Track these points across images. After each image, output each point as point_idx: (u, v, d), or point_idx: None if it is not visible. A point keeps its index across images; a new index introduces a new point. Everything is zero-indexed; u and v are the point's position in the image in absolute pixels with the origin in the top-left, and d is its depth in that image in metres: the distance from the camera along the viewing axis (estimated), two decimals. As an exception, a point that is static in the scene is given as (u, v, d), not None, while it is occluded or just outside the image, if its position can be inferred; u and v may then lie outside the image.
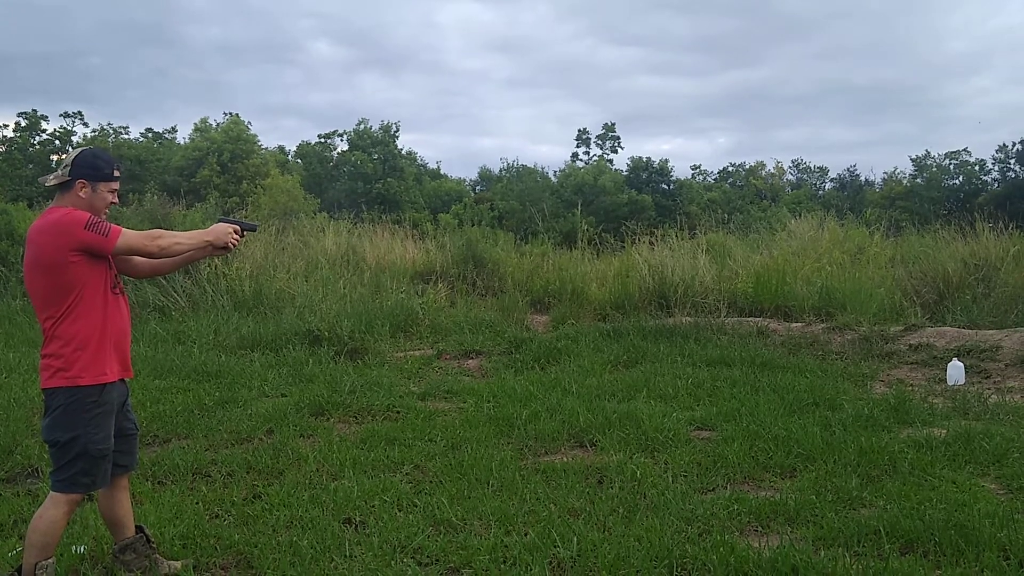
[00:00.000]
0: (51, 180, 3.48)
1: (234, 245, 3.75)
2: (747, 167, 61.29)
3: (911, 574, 3.58)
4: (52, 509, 3.43)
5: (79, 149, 3.57)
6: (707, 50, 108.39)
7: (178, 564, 3.82)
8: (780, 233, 15.91)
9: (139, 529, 3.81)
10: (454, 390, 7.64)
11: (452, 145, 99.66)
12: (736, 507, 4.49)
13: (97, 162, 3.49)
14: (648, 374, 7.99)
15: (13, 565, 3.58)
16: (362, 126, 45.01)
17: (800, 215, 17.88)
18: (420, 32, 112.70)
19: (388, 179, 42.61)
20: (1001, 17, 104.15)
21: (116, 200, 3.57)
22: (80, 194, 3.45)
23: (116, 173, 3.53)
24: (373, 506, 4.59)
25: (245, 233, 3.85)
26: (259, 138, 39.04)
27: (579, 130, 56.72)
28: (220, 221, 3.77)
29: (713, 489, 4.94)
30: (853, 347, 9.26)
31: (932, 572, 3.69)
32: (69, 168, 3.46)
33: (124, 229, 3.43)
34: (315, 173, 42.68)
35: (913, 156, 50.79)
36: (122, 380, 3.62)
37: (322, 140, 47.04)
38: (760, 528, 4.31)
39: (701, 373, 7.99)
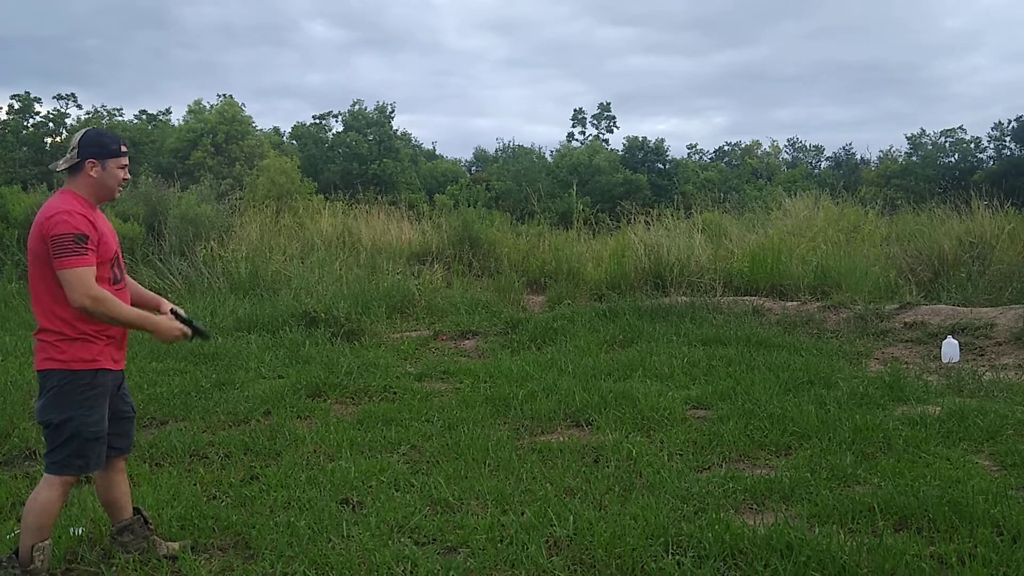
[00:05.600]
0: (61, 165, 3.48)
1: (175, 341, 3.60)
2: (743, 146, 61.14)
3: (905, 551, 3.60)
4: (46, 491, 3.43)
5: (83, 130, 3.54)
6: (703, 29, 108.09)
7: (176, 545, 3.83)
8: (775, 212, 15.90)
9: (136, 511, 3.82)
10: (450, 371, 7.65)
11: (448, 125, 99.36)
12: (731, 485, 4.51)
13: (103, 139, 3.48)
14: (644, 353, 8.00)
15: (12, 547, 3.59)
16: (357, 107, 44.76)
17: (795, 194, 17.84)
18: (417, 12, 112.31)
19: (384, 160, 42.40)
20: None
21: (127, 176, 3.56)
22: (91, 174, 3.45)
23: (123, 149, 3.53)
24: (370, 486, 4.61)
25: (195, 337, 3.72)
26: (253, 119, 38.85)
27: (575, 110, 56.53)
28: (176, 316, 3.66)
29: (708, 467, 4.96)
30: (848, 325, 9.28)
31: (926, 548, 3.71)
32: (76, 150, 3.44)
33: (83, 269, 3.29)
34: (310, 154, 42.45)
35: (908, 134, 50.60)
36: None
37: (317, 121, 46.79)
38: (755, 506, 4.33)
39: (696, 352, 8.01)
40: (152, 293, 3.93)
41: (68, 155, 3.47)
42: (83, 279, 3.29)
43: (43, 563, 3.43)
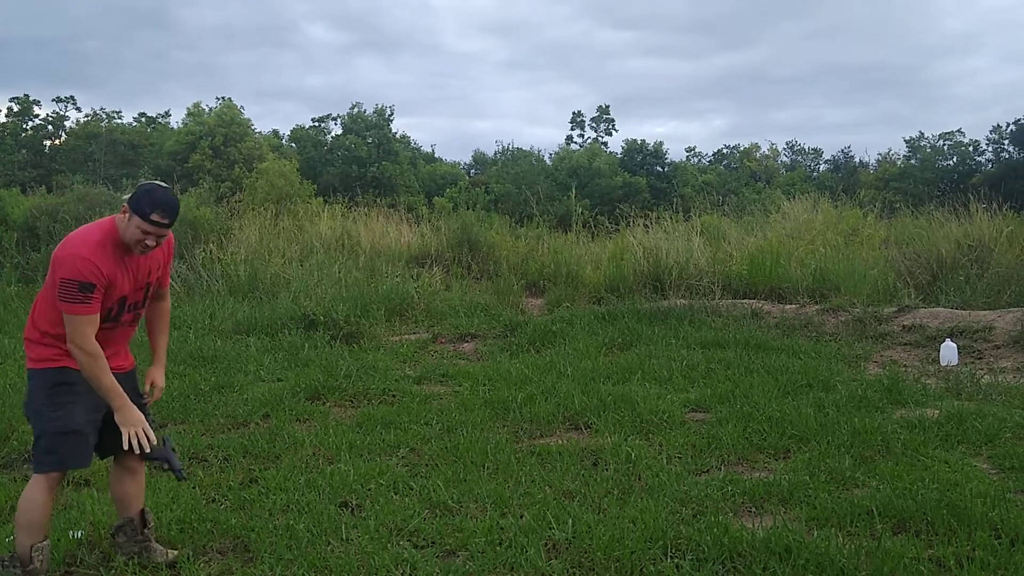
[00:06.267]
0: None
1: (130, 429, 3.44)
2: (742, 149, 61.18)
3: (904, 553, 3.61)
4: (32, 488, 3.48)
5: (153, 182, 3.55)
6: (702, 31, 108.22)
7: (175, 552, 3.82)
8: (774, 215, 15.91)
9: (141, 513, 3.81)
10: (450, 373, 7.65)
11: (447, 128, 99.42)
12: (730, 488, 4.51)
13: (143, 197, 3.41)
14: (643, 356, 8.01)
15: (12, 549, 3.59)
16: (356, 110, 44.80)
17: (794, 197, 17.88)
18: (416, 15, 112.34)
19: (383, 162, 42.43)
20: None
21: (149, 242, 3.46)
22: (121, 214, 3.46)
23: (155, 218, 3.41)
24: (369, 489, 4.61)
25: (160, 462, 3.64)
26: (252, 122, 38.88)
27: (573, 112, 56.56)
28: (163, 442, 3.61)
29: (707, 470, 4.97)
30: (847, 328, 9.29)
31: (924, 551, 3.72)
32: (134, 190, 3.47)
33: (84, 317, 3.34)
34: (309, 157, 42.48)
35: (907, 137, 50.66)
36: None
37: (316, 124, 46.85)
38: (754, 509, 4.34)
39: (695, 355, 8.01)
40: (163, 345, 3.93)
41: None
42: (82, 329, 3.34)
43: (42, 563, 3.44)
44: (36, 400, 3.49)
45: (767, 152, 60.92)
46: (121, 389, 3.45)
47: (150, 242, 3.47)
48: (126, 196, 3.47)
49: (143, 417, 3.49)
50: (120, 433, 3.59)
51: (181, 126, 39.04)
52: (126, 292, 3.55)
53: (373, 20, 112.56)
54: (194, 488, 4.67)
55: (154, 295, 3.81)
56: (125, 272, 3.51)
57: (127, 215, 3.42)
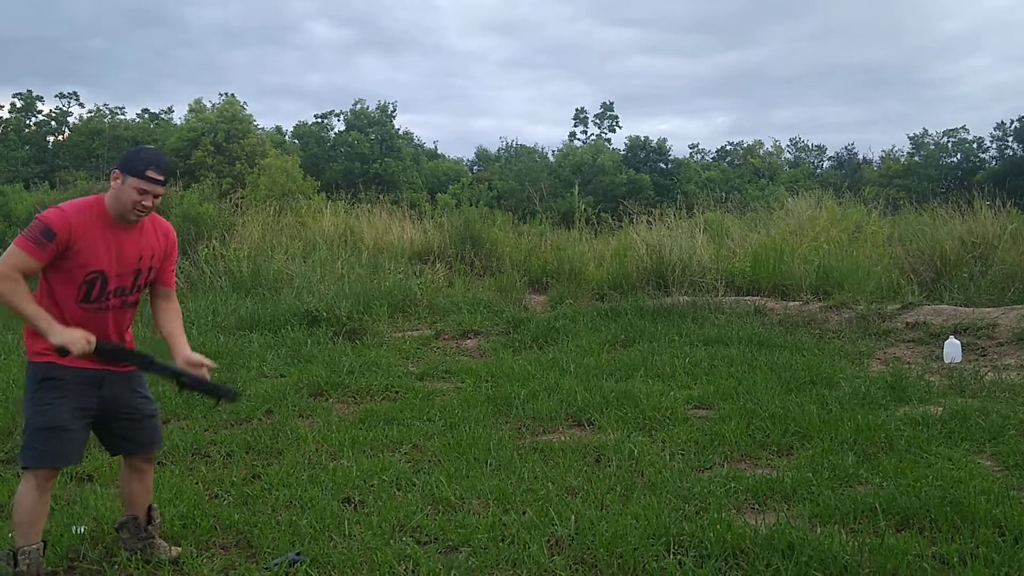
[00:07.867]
0: None
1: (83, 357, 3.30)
2: (745, 146, 61.07)
3: (907, 551, 3.60)
4: (22, 484, 3.44)
5: (140, 145, 3.54)
6: (705, 30, 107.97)
7: (178, 550, 3.80)
8: (778, 212, 15.86)
9: (148, 510, 3.80)
10: (452, 370, 7.65)
11: (449, 126, 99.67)
12: (733, 485, 4.51)
13: (134, 158, 3.43)
14: (645, 353, 8.00)
15: (11, 545, 3.57)
16: (359, 106, 44.80)
17: (798, 194, 17.82)
18: (419, 14, 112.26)
19: (385, 159, 42.45)
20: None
21: (147, 202, 3.39)
22: (112, 183, 3.44)
23: (150, 174, 3.38)
24: (372, 485, 4.61)
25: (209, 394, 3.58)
26: (255, 118, 38.90)
27: (576, 110, 56.48)
28: (151, 364, 3.51)
29: (710, 467, 4.96)
30: (850, 325, 9.28)
31: (928, 548, 3.71)
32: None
33: (19, 251, 3.26)
34: (312, 153, 42.50)
35: (911, 134, 50.54)
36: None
37: (319, 120, 46.85)
38: (757, 506, 4.33)
39: (698, 352, 8.01)
40: (180, 335, 3.76)
41: None
42: (17, 260, 3.26)
43: (29, 567, 3.37)
44: (27, 393, 3.46)
45: (770, 149, 60.82)
46: (46, 313, 3.29)
47: (147, 202, 3.40)
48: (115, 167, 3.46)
49: (83, 332, 3.29)
50: (127, 434, 3.63)
51: (183, 122, 39.05)
52: (105, 268, 3.42)
53: (376, 19, 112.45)
54: (197, 484, 4.68)
55: (155, 292, 3.76)
56: (107, 246, 3.42)
57: (117, 180, 3.40)
